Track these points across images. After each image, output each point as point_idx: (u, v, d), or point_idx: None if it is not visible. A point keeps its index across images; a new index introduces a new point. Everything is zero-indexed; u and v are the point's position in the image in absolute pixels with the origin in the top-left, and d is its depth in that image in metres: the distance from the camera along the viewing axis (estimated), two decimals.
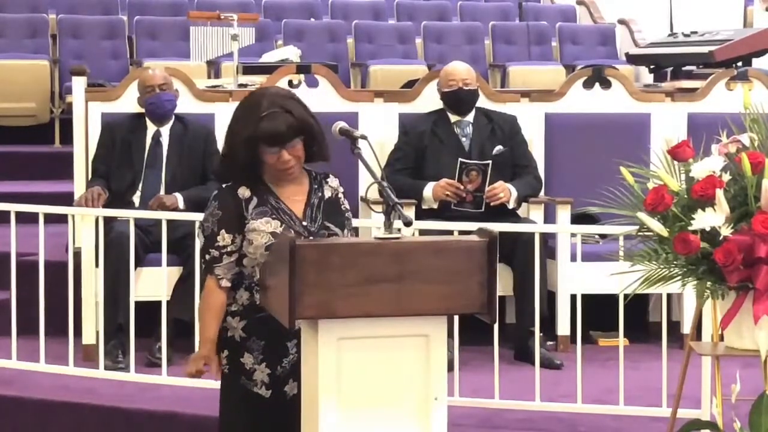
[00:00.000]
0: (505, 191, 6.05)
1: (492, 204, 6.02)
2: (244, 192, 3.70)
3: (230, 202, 3.69)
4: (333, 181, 3.81)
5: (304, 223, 3.71)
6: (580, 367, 5.06)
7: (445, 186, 6.04)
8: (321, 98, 6.31)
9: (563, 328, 6.04)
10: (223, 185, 3.76)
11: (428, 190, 6.08)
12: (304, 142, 3.68)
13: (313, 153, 3.73)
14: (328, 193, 3.78)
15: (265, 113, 3.61)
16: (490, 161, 6.04)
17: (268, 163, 3.67)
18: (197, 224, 5.43)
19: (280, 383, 3.74)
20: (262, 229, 3.66)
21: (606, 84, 6.66)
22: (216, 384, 5.19)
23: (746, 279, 3.54)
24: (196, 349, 4.48)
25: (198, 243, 5.37)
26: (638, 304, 5.46)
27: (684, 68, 7.75)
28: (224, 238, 3.68)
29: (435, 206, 6.07)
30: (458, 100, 6.23)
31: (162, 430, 5.17)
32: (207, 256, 3.71)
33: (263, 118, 3.61)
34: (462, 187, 6.02)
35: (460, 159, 6.06)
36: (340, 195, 3.81)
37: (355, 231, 3.90)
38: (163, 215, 5.57)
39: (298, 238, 3.55)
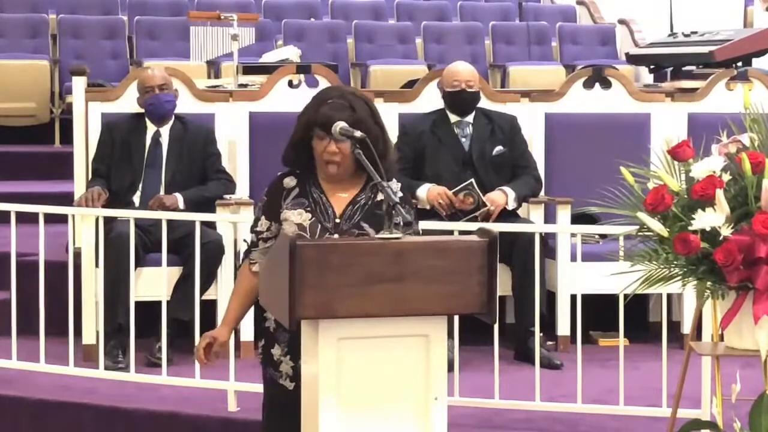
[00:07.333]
0: (495, 203, 6.02)
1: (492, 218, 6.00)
2: (290, 182, 3.74)
3: (274, 190, 3.75)
4: (394, 185, 3.68)
5: (337, 221, 3.69)
6: (580, 367, 5.06)
7: (442, 195, 6.02)
8: None
9: (563, 328, 6.04)
10: (279, 173, 3.79)
11: (422, 191, 6.05)
12: (360, 146, 3.60)
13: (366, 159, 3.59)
14: (381, 197, 3.59)
15: (330, 101, 3.66)
16: (472, 179, 6.01)
17: (316, 150, 3.68)
18: (197, 224, 5.47)
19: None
20: (292, 219, 3.68)
21: (606, 84, 6.65)
22: (216, 384, 5.24)
23: (746, 279, 3.54)
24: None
25: (196, 240, 5.44)
26: (638, 304, 5.46)
27: (684, 68, 7.75)
28: (263, 223, 3.74)
29: (428, 207, 6.06)
30: (460, 101, 6.22)
31: (162, 430, 5.17)
32: (248, 241, 3.80)
33: (326, 105, 3.66)
34: (456, 203, 6.00)
35: (472, 180, 6.02)
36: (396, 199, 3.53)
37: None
38: (163, 215, 5.57)
39: (322, 234, 3.62)
